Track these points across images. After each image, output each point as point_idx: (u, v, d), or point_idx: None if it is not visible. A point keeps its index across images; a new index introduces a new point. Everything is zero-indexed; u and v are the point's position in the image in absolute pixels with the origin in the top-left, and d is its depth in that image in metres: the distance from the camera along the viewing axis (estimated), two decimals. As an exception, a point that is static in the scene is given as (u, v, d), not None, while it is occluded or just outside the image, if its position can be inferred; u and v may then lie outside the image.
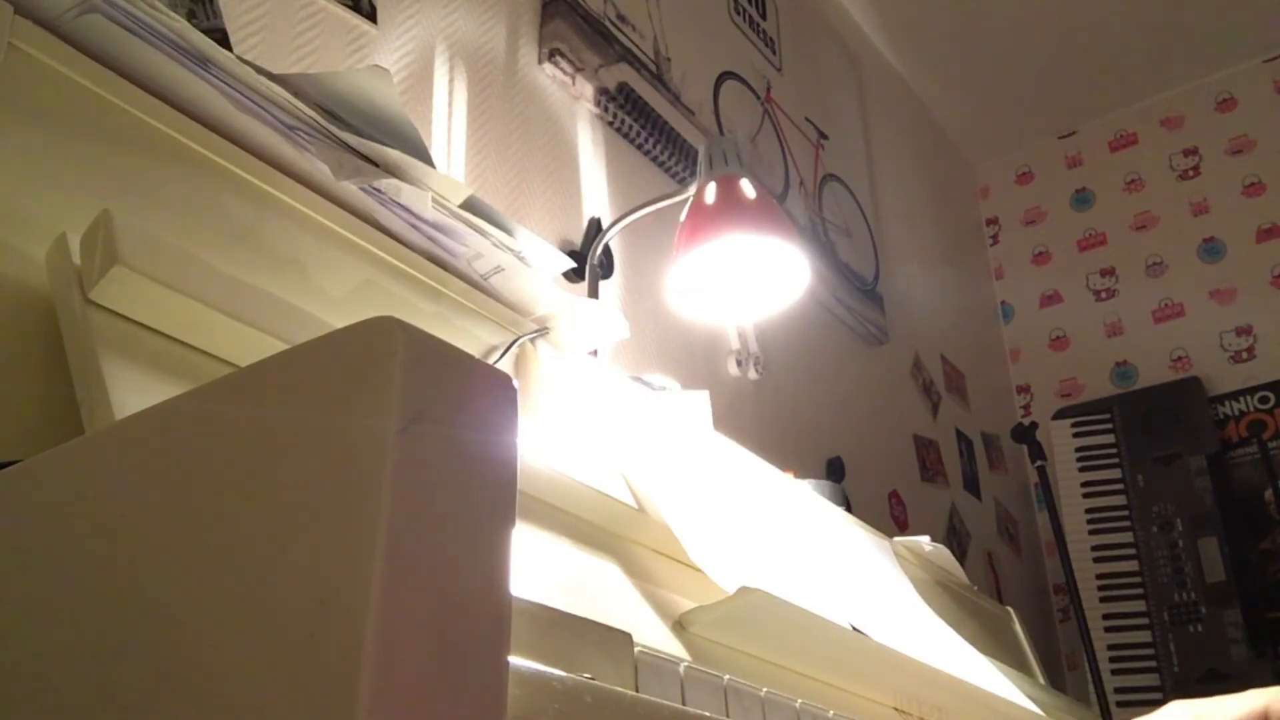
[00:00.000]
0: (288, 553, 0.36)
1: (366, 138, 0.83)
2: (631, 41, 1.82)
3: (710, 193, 1.31)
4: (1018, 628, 1.66)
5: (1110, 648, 2.58)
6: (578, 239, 1.60)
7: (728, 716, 0.60)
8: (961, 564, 1.64)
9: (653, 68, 1.87)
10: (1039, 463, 2.56)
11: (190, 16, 1.00)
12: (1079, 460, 2.81)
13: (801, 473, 1.54)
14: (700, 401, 1.26)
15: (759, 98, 2.27)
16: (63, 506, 0.46)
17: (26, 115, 0.65)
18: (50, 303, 0.62)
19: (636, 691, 0.54)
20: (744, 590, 0.73)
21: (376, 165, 0.84)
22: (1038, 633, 2.84)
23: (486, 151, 1.48)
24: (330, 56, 1.27)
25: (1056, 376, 3.19)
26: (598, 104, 1.73)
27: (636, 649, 0.55)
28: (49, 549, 0.45)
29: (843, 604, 0.95)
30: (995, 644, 1.52)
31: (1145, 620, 2.58)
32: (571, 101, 1.70)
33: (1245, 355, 2.91)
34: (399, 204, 0.86)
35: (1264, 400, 2.83)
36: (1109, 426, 2.83)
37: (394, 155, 0.84)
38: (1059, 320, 3.24)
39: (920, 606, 1.21)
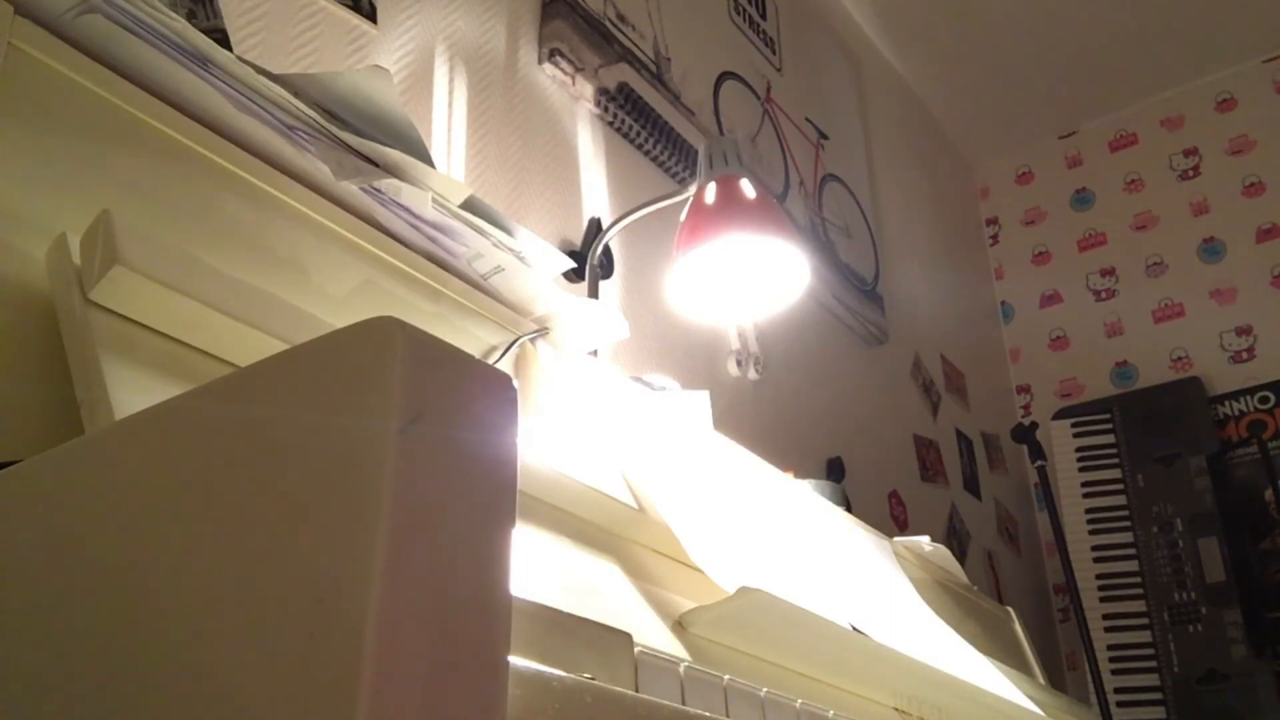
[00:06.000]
0: (288, 552, 0.36)
1: (366, 138, 0.83)
2: (631, 41, 1.82)
3: (710, 193, 1.31)
4: (1018, 628, 1.66)
5: (1110, 648, 2.58)
6: (578, 239, 1.60)
7: (728, 716, 0.60)
8: (961, 564, 1.64)
9: (653, 68, 1.87)
10: (1039, 463, 2.56)
11: (190, 16, 1.00)
12: (1079, 460, 2.81)
13: (801, 473, 1.54)
14: (700, 401, 1.26)
15: (759, 98, 2.27)
16: (63, 506, 0.46)
17: (26, 115, 0.65)
18: (50, 303, 0.62)
19: (636, 691, 0.54)
20: (744, 590, 0.73)
21: (376, 165, 0.84)
22: (1038, 633, 2.84)
23: (486, 151, 1.48)
24: (330, 56, 1.27)
25: (1056, 376, 3.19)
26: (598, 104, 1.73)
27: (636, 649, 0.55)
28: (49, 549, 0.45)
29: (843, 604, 0.95)
30: (995, 644, 1.52)
31: (1145, 620, 2.58)
32: (571, 101, 1.70)
33: (1245, 355, 2.91)
34: (399, 204, 0.86)
35: (1264, 400, 2.83)
36: (1109, 426, 2.83)
37: (394, 155, 0.84)
38: (1059, 320, 3.24)
39: (920, 607, 1.21)
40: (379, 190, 0.84)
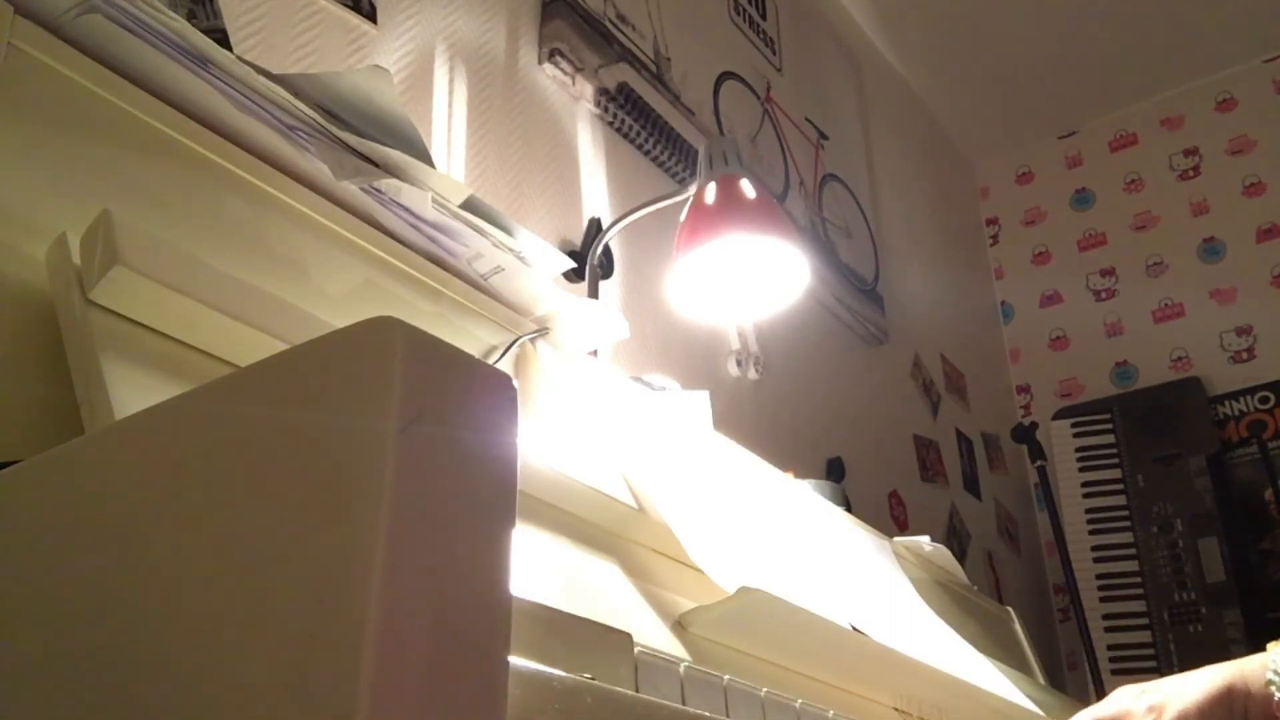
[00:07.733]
0: (288, 552, 0.36)
1: (366, 138, 0.83)
2: (631, 41, 1.82)
3: (710, 193, 1.31)
4: (1018, 628, 1.66)
5: (1110, 648, 2.58)
6: (578, 239, 1.60)
7: (728, 716, 0.60)
8: (961, 564, 1.64)
9: (653, 68, 1.87)
10: (1039, 463, 2.56)
11: (190, 16, 1.00)
12: (1079, 460, 2.81)
13: (801, 473, 1.54)
14: (700, 401, 1.26)
15: (759, 98, 2.27)
16: (63, 506, 0.46)
17: (26, 115, 0.65)
18: (50, 303, 0.62)
19: (636, 691, 0.54)
20: (744, 590, 0.73)
21: (376, 165, 0.84)
22: (1038, 633, 2.84)
23: (486, 151, 1.48)
24: (330, 56, 1.27)
25: (1056, 376, 3.18)
26: (598, 104, 1.73)
27: (636, 649, 0.55)
28: (49, 549, 0.45)
29: (843, 604, 0.95)
30: (995, 644, 1.52)
31: (1145, 620, 2.58)
32: (571, 101, 1.70)
33: (1245, 355, 2.90)
34: (399, 204, 0.86)
35: (1264, 400, 2.83)
36: (1109, 426, 2.83)
37: (394, 155, 0.84)
38: (1059, 320, 3.24)
39: (920, 607, 1.21)
40: (379, 190, 0.84)
